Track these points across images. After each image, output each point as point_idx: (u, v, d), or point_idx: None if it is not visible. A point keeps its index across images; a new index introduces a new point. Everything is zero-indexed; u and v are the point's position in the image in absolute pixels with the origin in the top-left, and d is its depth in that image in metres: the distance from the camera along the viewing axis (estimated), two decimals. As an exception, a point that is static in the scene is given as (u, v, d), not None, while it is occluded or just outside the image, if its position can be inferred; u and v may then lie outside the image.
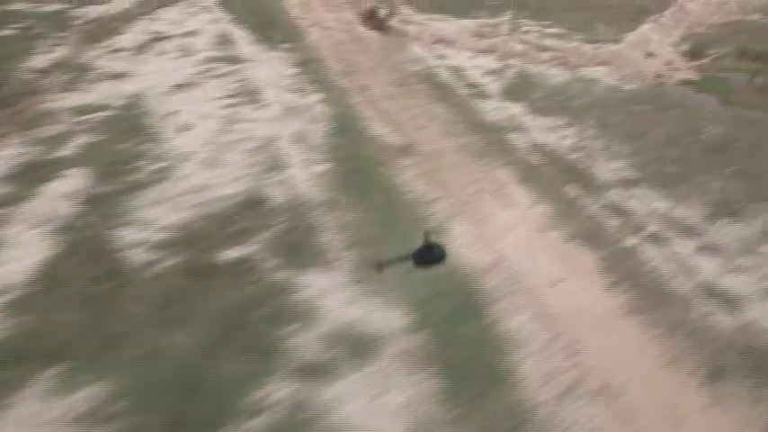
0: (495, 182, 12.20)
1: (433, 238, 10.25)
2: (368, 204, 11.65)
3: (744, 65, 17.97)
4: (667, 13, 21.66)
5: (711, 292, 9.20)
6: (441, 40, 20.64)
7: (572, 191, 11.86)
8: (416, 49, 19.38)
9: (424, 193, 11.96)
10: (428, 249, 9.97)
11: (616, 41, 19.22)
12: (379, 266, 9.86)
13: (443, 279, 9.69)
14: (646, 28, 20.71)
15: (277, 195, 11.92)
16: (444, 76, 17.30)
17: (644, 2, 22.22)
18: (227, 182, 12.40)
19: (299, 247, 10.42)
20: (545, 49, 19.41)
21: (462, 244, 10.49)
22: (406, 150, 13.50)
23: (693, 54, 19.04)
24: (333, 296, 9.36)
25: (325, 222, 11.12)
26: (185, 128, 14.51)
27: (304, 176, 12.53)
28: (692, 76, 17.69)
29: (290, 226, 11.06)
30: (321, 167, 12.85)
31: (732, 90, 16.46)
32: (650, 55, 19.08)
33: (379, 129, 14.44)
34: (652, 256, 10.02)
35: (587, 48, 19.25)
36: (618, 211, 11.23)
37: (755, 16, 21.24)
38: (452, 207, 11.47)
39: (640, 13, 21.18)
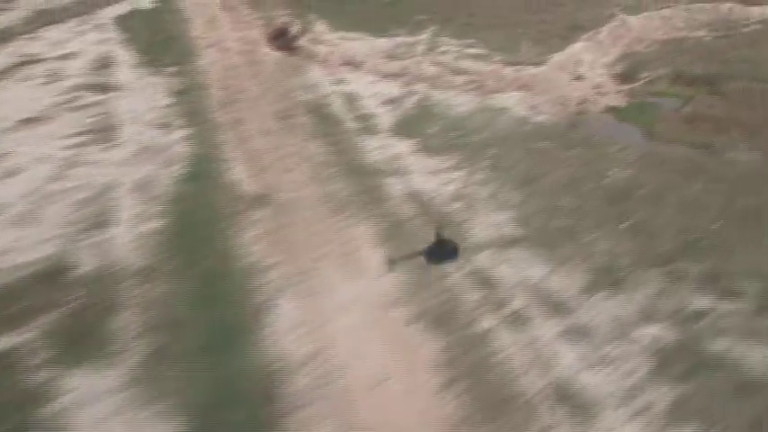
0: (350, 242, 10.84)
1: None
2: (192, 272, 10.26)
3: (677, 89, 16.88)
4: (605, 29, 20.51)
5: (563, 395, 7.86)
6: (349, 62, 19.41)
7: (437, 252, 10.49)
8: (316, 74, 18.11)
9: (262, 256, 10.59)
10: (440, 245, 9.98)
11: (539, 63, 17.99)
12: (391, 263, 9.92)
13: (242, 378, 8.26)
14: (578, 47, 19.55)
15: (87, 262, 10.51)
16: (336, 105, 16.01)
17: (580, 18, 21.05)
18: (33, 244, 10.97)
19: (84, 334, 9.00)
20: (460, 71, 18.21)
21: (283, 328, 9.08)
22: (260, 200, 12.15)
23: (626, 76, 17.92)
24: (96, 405, 7.92)
25: (131, 298, 9.71)
26: (12, 173, 13.10)
27: (128, 237, 11.12)
28: (620, 101, 16.55)
29: (85, 303, 9.64)
30: (153, 224, 11.46)
31: (658, 119, 15.31)
32: (578, 77, 17.92)
33: (239, 173, 13.09)
34: (506, 343, 8.67)
35: (508, 70, 18.06)
36: (484, 279, 9.90)
37: (701, 32, 20.17)
38: (289, 276, 10.08)
39: (574, 31, 20.04)
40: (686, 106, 15.99)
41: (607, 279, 9.71)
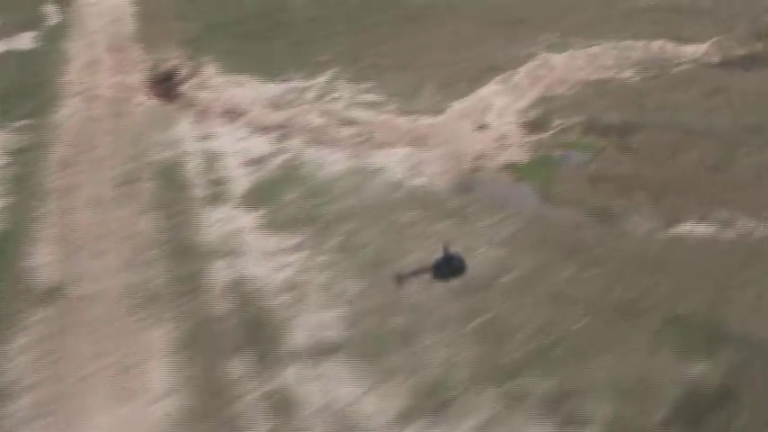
0: (138, 351, 9.50)
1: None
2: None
3: (589, 140, 15.82)
4: (524, 69, 19.58)
5: None
6: (231, 111, 18.28)
7: (240, 364, 9.17)
8: (185, 127, 16.89)
9: (24, 373, 9.13)
10: (447, 261, 10.34)
11: (438, 111, 16.93)
12: (399, 279, 10.30)
13: None
14: (489, 90, 18.55)
15: None
16: (191, 166, 14.79)
17: (498, 57, 20.12)
18: None
19: None
20: (349, 122, 17.09)
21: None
22: (52, 294, 10.76)
23: (536, 125, 16.89)
24: None
25: None
26: None
27: None
28: (523, 155, 15.42)
29: None
30: None
31: (559, 177, 14.17)
32: (482, 127, 16.86)
33: (41, 258, 11.73)
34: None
35: (401, 120, 16.97)
36: (283, 403, 8.53)
37: (629, 73, 19.32)
38: (43, 403, 8.59)
39: (487, 72, 19.07)
40: (594, 161, 14.91)
41: (431, 402, 8.37)
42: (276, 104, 18.35)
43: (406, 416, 8.22)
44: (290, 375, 8.97)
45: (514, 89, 19.02)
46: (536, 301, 9.95)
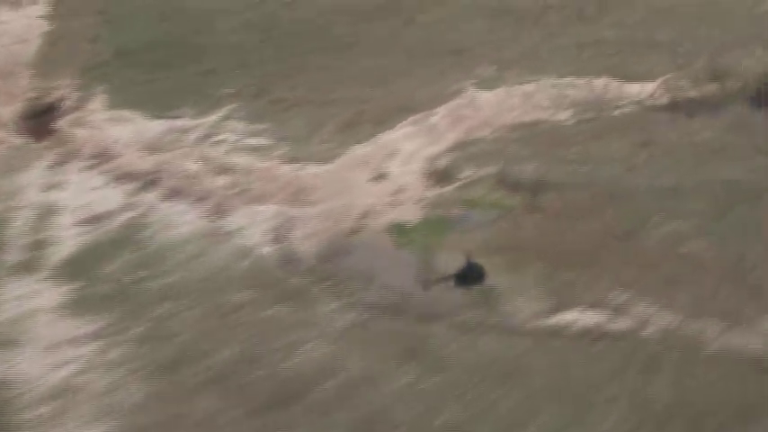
0: None
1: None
2: None
3: (498, 197, 14.38)
4: (444, 108, 18.11)
5: None
6: (100, 155, 16.88)
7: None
8: (36, 173, 15.49)
9: None
10: (469, 270, 11.04)
11: (329, 158, 15.49)
12: (426, 285, 11.06)
13: None
14: (399, 133, 17.11)
15: None
16: (19, 223, 13.29)
17: (420, 94, 18.67)
18: None
19: None
20: (227, 169, 15.67)
21: None
22: None
23: (441, 176, 15.45)
24: None
25: None
26: None
27: None
28: (416, 214, 13.97)
29: None
30: None
31: (446, 244, 12.72)
32: (380, 177, 15.43)
33: None
34: None
35: (285, 169, 15.51)
36: None
37: (565, 114, 17.90)
38: None
39: (401, 111, 17.60)
40: (493, 225, 13.45)
41: None
42: (153, 147, 16.93)
43: None
44: None
45: (429, 132, 17.61)
46: (348, 421, 8.36)
